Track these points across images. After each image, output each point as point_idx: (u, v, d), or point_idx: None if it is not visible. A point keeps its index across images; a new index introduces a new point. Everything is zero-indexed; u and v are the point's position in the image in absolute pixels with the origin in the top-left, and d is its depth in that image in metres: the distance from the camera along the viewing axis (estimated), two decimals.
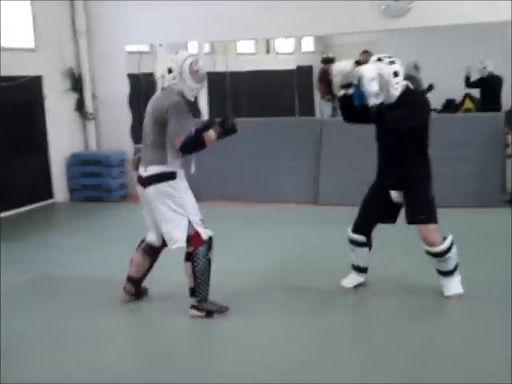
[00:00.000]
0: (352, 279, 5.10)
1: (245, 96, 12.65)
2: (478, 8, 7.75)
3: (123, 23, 9.30)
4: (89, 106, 9.65)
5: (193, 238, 4.57)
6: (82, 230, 7.65)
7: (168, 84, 4.63)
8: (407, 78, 4.75)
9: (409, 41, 11.11)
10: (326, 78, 13.10)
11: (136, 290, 4.99)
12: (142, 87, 9.98)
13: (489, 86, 10.28)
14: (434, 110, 10.03)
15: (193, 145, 4.53)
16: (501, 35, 10.35)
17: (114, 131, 9.68)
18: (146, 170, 4.62)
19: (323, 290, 5.12)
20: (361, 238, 4.94)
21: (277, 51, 13.66)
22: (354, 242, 4.98)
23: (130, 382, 3.81)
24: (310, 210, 8.08)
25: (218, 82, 11.00)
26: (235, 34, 9.12)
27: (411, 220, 4.68)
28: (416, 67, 10.01)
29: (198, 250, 4.56)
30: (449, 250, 4.64)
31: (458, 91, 11.87)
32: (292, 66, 13.92)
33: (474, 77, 10.56)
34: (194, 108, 4.90)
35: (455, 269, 4.73)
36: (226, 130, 4.60)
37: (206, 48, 11.03)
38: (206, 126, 4.69)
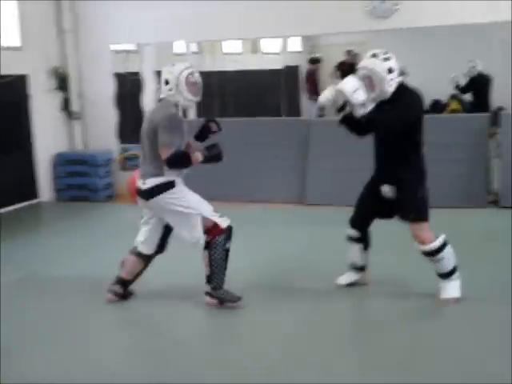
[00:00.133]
0: (347, 277, 5.11)
1: (232, 96, 12.64)
2: (464, 9, 7.78)
3: (109, 22, 9.26)
4: (75, 105, 9.60)
5: (211, 229, 4.67)
6: (68, 229, 7.61)
7: (164, 96, 4.68)
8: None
9: (395, 41, 11.11)
10: (312, 78, 13.17)
11: (124, 291, 4.98)
12: (128, 86, 9.94)
13: (477, 86, 10.33)
14: None
15: (179, 160, 4.59)
16: (487, 36, 10.43)
17: (100, 131, 9.64)
18: (145, 183, 4.67)
19: (313, 290, 5.12)
20: (355, 233, 4.94)
21: (264, 51, 13.65)
22: (350, 238, 4.97)
23: (129, 382, 3.79)
24: (297, 211, 8.08)
25: (205, 82, 10.93)
26: (222, 34, 9.10)
27: (402, 217, 4.68)
28: (403, 72, 10.04)
29: (216, 239, 4.65)
30: (440, 249, 4.60)
31: (443, 92, 11.94)
32: (279, 66, 13.92)
33: (463, 79, 10.61)
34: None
35: (453, 272, 4.67)
36: (211, 158, 4.65)
37: (193, 47, 11.00)
38: (200, 134, 4.80)
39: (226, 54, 12.51)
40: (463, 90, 10.79)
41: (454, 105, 12.08)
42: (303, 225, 7.27)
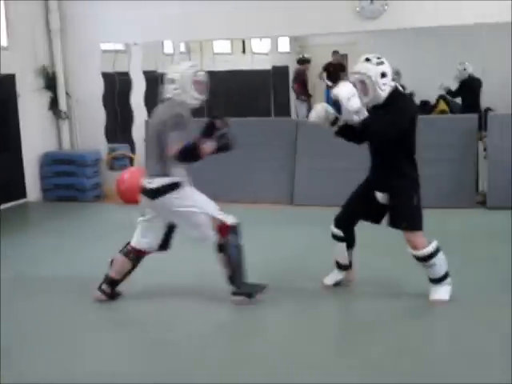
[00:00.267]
0: (332, 277, 5.11)
1: (221, 96, 12.60)
2: (452, 10, 7.81)
3: (98, 21, 9.23)
4: (62, 104, 9.56)
5: (219, 229, 4.67)
6: (56, 229, 7.58)
7: (170, 95, 4.66)
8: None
9: (384, 42, 11.16)
10: (301, 79, 13.18)
11: (112, 291, 4.96)
12: (116, 86, 9.92)
13: (468, 88, 10.37)
14: None
15: (189, 153, 4.53)
16: (475, 37, 10.46)
17: (88, 130, 9.61)
18: (151, 183, 4.66)
19: (304, 290, 5.12)
20: (339, 232, 4.93)
21: (253, 51, 13.64)
22: (334, 236, 4.96)
23: (124, 382, 3.77)
24: (285, 211, 8.08)
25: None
26: (211, 34, 9.10)
27: (394, 225, 4.67)
28: (397, 73, 10.08)
29: (228, 239, 4.66)
30: (433, 255, 4.58)
31: (432, 93, 11.96)
32: (268, 67, 13.92)
33: (453, 82, 10.64)
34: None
35: (444, 277, 4.67)
36: (221, 148, 4.65)
37: (182, 47, 10.98)
38: (205, 132, 4.71)
39: (215, 54, 12.49)
40: (454, 94, 10.82)
41: (442, 105, 12.11)
42: (291, 225, 7.26)
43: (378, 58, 4.50)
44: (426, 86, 11.21)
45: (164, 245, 4.90)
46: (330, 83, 12.08)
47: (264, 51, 13.93)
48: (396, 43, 11.39)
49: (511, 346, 3.91)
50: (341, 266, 5.08)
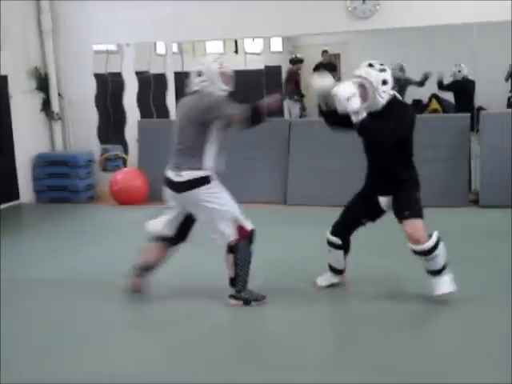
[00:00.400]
0: (326, 279, 5.11)
1: None
2: (444, 10, 7.85)
3: (90, 22, 9.22)
4: (55, 105, 9.55)
5: (238, 231, 4.68)
6: (49, 231, 7.57)
7: (198, 88, 4.68)
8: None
9: (376, 42, 11.17)
10: (294, 79, 13.18)
11: (144, 276, 4.95)
12: (109, 87, 9.90)
13: (462, 90, 10.39)
14: None
15: (257, 115, 4.57)
16: (467, 36, 10.48)
17: (81, 131, 9.60)
18: (180, 175, 4.63)
19: (299, 290, 5.11)
20: (337, 240, 4.91)
21: (245, 51, 13.63)
22: (331, 244, 4.96)
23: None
24: (279, 211, 8.09)
25: (187, 82, 10.94)
26: (203, 35, 9.10)
27: (398, 216, 4.63)
28: (402, 69, 10.14)
29: (241, 242, 4.67)
30: (435, 247, 4.56)
31: (424, 92, 11.97)
32: (260, 66, 13.90)
33: (447, 80, 10.67)
34: None
35: (444, 267, 4.64)
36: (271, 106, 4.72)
37: (174, 48, 10.96)
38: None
39: (207, 54, 12.47)
40: (444, 87, 10.82)
41: (435, 105, 12.13)
42: (285, 225, 7.26)
43: (381, 65, 4.50)
44: None
45: (182, 235, 4.90)
46: None
47: (257, 51, 13.92)
48: (388, 43, 11.39)
49: (511, 345, 3.90)
50: (335, 271, 5.08)
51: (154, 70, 10.28)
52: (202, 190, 4.60)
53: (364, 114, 4.42)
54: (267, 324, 4.65)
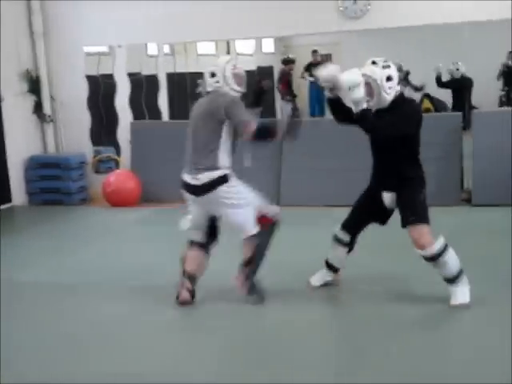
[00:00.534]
0: (320, 278, 5.08)
1: None
2: (436, 9, 7.86)
3: (81, 24, 9.19)
4: (47, 108, 9.51)
5: (260, 220, 4.70)
6: (43, 233, 7.54)
7: (211, 88, 4.71)
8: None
9: (368, 41, 11.21)
10: (286, 79, 13.20)
11: (193, 287, 4.87)
12: (101, 89, 9.89)
13: (461, 88, 10.43)
14: None
15: (265, 132, 4.62)
16: (458, 36, 10.52)
17: (73, 133, 9.57)
18: (197, 178, 4.62)
19: (295, 289, 5.09)
20: (346, 237, 4.89)
21: (237, 52, 13.64)
22: (338, 240, 4.92)
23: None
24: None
25: (179, 83, 10.95)
26: (195, 36, 9.08)
27: (403, 222, 4.58)
28: (400, 69, 10.16)
29: (263, 228, 4.70)
30: (442, 252, 4.50)
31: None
32: (253, 67, 13.92)
33: (445, 77, 10.71)
34: None
35: (459, 275, 4.57)
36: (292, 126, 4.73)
37: (166, 49, 10.96)
38: (256, 98, 4.91)
39: (199, 55, 12.47)
40: (443, 84, 10.83)
41: (427, 104, 12.17)
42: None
43: (385, 62, 4.50)
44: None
45: (213, 237, 4.89)
46: (312, 79, 12.09)
47: (249, 52, 13.93)
48: (379, 42, 11.42)
49: (511, 345, 3.88)
50: (332, 268, 5.06)
51: (145, 72, 10.29)
52: (221, 189, 4.61)
53: (364, 105, 4.41)
54: (266, 324, 4.60)
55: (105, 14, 8.99)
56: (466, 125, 8.60)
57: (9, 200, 9.10)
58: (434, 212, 7.39)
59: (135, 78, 9.72)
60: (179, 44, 10.83)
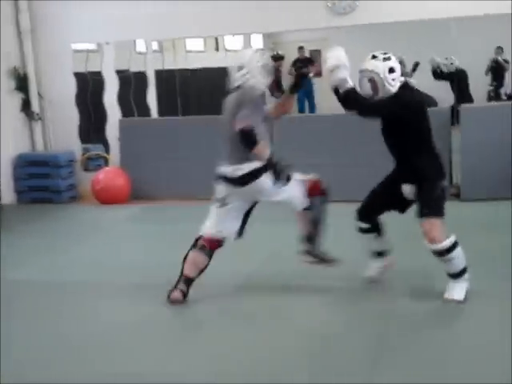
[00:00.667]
0: (371, 268, 5.02)
1: (194, 94, 12.59)
2: (425, 4, 7.88)
3: (69, 21, 9.15)
4: (35, 106, 9.47)
5: (310, 189, 4.72)
6: (31, 232, 7.51)
7: (240, 82, 4.70)
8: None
9: (356, 38, 11.21)
10: (275, 75, 13.18)
11: (187, 290, 4.84)
12: (89, 86, 9.85)
13: (459, 80, 10.43)
14: None
15: (249, 139, 4.52)
16: (446, 31, 10.54)
17: (62, 131, 9.53)
18: (240, 169, 4.62)
19: (290, 289, 5.07)
20: (364, 225, 4.88)
21: (226, 48, 13.61)
22: (360, 229, 4.92)
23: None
24: (260, 208, 8.05)
25: (167, 80, 10.93)
26: (183, 32, 9.06)
27: (418, 213, 4.57)
28: (402, 62, 10.14)
29: (315, 199, 4.71)
30: (450, 249, 4.49)
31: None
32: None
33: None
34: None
35: (462, 273, 4.57)
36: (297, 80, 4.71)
37: (154, 46, 10.94)
38: (295, 84, 4.78)
39: (188, 51, 12.44)
40: (441, 77, 10.79)
41: None
42: (265, 222, 7.23)
43: (385, 54, 4.50)
44: None
45: (241, 232, 4.89)
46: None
47: (237, 48, 13.91)
48: (368, 38, 11.43)
49: (511, 345, 3.85)
50: (376, 254, 4.98)
51: (134, 69, 10.26)
52: (259, 182, 4.62)
53: (350, 84, 4.42)
54: (274, 321, 4.54)
55: (92, 10, 8.95)
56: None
57: None
58: None
59: (124, 75, 9.69)
60: (168, 41, 10.80)
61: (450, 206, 7.40)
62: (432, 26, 9.45)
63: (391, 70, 4.44)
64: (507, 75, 11.01)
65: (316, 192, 4.75)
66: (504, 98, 10.75)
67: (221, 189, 4.76)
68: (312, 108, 12.60)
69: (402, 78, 4.55)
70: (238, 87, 4.72)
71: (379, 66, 4.43)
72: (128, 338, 4.37)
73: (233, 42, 13.62)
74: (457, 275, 4.57)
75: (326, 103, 9.42)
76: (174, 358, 4.04)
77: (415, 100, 4.64)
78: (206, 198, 8.13)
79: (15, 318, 4.79)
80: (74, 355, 4.12)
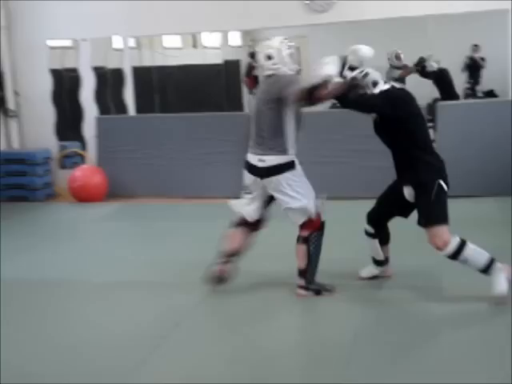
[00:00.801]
0: (368, 271, 5.06)
1: (172, 91, 12.53)
2: (402, 2, 7.94)
3: (45, 17, 9.09)
4: (10, 103, 9.39)
5: (313, 222, 4.66)
6: (8, 230, 7.40)
7: (270, 72, 4.68)
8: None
9: (334, 35, 11.24)
10: (252, 72, 13.17)
11: (230, 264, 4.86)
12: (65, 83, 9.77)
13: (442, 79, 10.47)
14: None
15: (309, 94, 4.47)
16: (426, 28, 10.59)
17: (38, 128, 9.46)
18: (264, 160, 4.60)
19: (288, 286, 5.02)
20: (370, 229, 4.90)
21: (204, 45, 13.58)
22: (366, 233, 4.94)
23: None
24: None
25: (145, 77, 10.86)
26: (160, 29, 9.04)
27: (419, 222, 4.57)
28: (397, 57, 10.18)
29: (314, 233, 4.67)
30: (458, 251, 4.44)
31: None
32: (219, 61, 13.87)
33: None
34: None
35: (489, 265, 4.45)
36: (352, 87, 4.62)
37: (131, 42, 10.86)
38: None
39: (165, 48, 12.39)
40: (425, 75, 10.82)
41: None
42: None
43: (361, 72, 4.64)
44: None
45: (262, 220, 4.89)
46: None
47: (215, 45, 13.87)
48: (346, 36, 11.45)
49: (511, 345, 3.85)
50: (376, 262, 5.01)
51: (111, 65, 10.18)
52: (285, 176, 4.58)
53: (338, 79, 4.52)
54: (288, 322, 4.53)
55: (69, 7, 8.89)
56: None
57: None
58: None
59: (100, 72, 9.62)
60: (145, 37, 10.74)
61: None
62: (409, 24, 9.49)
63: (375, 84, 4.60)
64: (483, 73, 11.08)
65: (315, 227, 4.70)
66: (480, 95, 10.82)
67: (247, 177, 4.80)
68: None
69: (387, 86, 4.64)
70: (270, 76, 4.71)
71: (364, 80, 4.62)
72: (107, 338, 4.32)
73: (210, 39, 13.59)
74: (484, 270, 4.50)
75: None
76: (172, 357, 3.99)
77: (396, 96, 4.63)
78: (180, 197, 8.21)
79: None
80: (52, 354, 4.09)
